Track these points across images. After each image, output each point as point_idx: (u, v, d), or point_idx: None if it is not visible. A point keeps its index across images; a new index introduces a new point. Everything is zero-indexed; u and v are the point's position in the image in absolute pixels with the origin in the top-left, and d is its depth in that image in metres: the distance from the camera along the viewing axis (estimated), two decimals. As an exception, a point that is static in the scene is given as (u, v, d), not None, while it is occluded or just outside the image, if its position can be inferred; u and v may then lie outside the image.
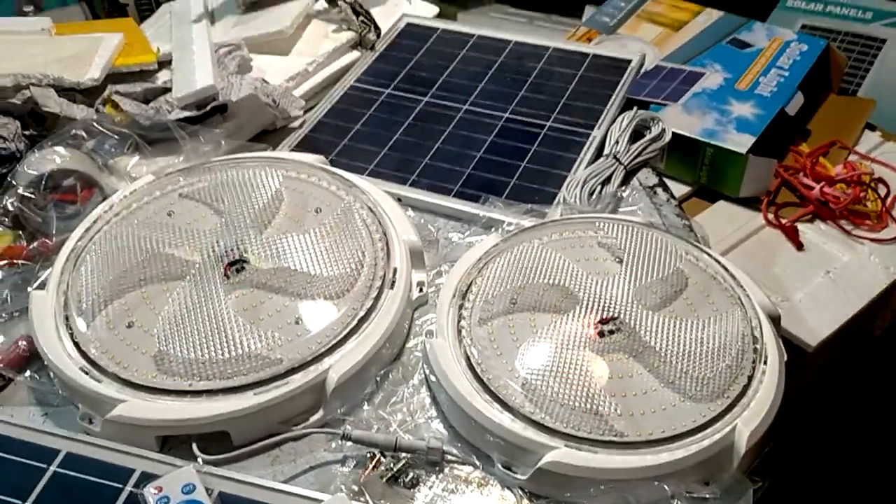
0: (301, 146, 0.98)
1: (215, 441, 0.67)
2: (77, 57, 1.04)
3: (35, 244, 0.84)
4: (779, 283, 0.96)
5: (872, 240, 1.01)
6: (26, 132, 0.94)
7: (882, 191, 1.05)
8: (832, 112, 1.21)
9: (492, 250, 0.78)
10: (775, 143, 1.08)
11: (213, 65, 1.00)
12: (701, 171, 1.07)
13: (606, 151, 0.94)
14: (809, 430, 1.03)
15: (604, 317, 0.71)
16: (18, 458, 0.63)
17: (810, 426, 1.03)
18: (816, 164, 1.09)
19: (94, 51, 1.05)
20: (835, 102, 1.23)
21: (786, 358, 0.71)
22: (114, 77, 1.04)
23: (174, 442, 0.68)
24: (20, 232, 0.85)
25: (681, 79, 1.16)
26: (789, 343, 0.91)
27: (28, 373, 0.74)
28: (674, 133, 1.05)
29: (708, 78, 1.15)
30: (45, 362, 0.71)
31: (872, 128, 1.20)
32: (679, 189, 1.10)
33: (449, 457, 0.66)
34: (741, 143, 1.03)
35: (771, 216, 1.04)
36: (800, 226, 1.03)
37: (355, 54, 1.12)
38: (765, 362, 0.68)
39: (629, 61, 1.06)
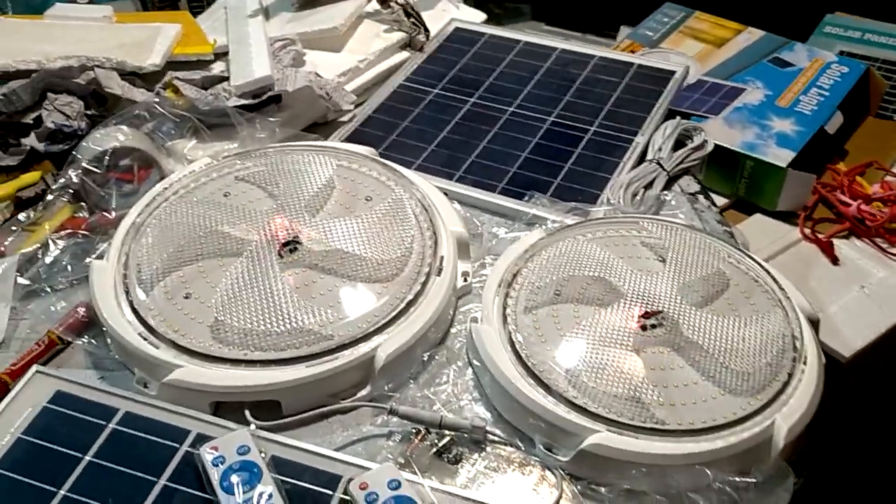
0: (351, 139, 1.01)
1: (265, 410, 0.69)
2: (138, 44, 1.08)
3: (94, 217, 0.87)
4: (814, 296, 0.97)
5: (908, 258, 1.02)
6: (88, 112, 0.97)
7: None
8: (870, 134, 1.22)
9: (538, 243, 0.80)
10: (814, 160, 1.10)
11: (269, 57, 1.03)
12: (739, 184, 1.09)
13: (650, 157, 0.96)
14: (842, 443, 1.04)
15: (647, 311, 0.72)
16: (80, 415, 0.66)
17: (843, 440, 1.03)
18: (854, 182, 1.11)
19: (154, 39, 1.09)
20: (873, 125, 1.24)
21: (823, 361, 0.73)
22: (172, 65, 1.07)
23: (226, 409, 0.70)
24: (82, 204, 0.88)
25: (722, 93, 1.18)
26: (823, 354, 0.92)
27: (86, 338, 0.76)
28: (714, 144, 1.07)
29: (749, 94, 1.17)
30: (105, 328, 0.74)
31: (909, 151, 1.21)
32: (716, 201, 1.11)
33: (492, 437, 0.68)
34: (781, 157, 1.05)
35: (808, 230, 1.06)
36: (835, 241, 1.05)
37: (404, 55, 1.15)
38: (804, 362, 0.70)
39: (673, 72, 1.09)
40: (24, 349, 0.75)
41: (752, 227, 1.08)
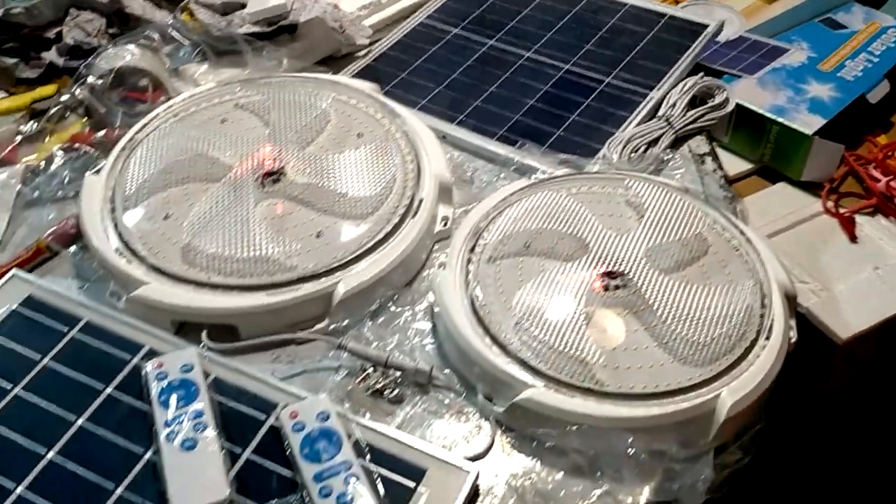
0: (361, 74, 1.00)
1: (224, 334, 0.71)
2: (168, -37, 1.09)
3: (99, 133, 0.90)
4: (822, 272, 0.93)
5: (934, 242, 0.96)
6: (110, 30, 1.00)
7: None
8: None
9: (517, 193, 0.79)
10: (848, 131, 1.03)
11: (289, -16, 1.02)
12: (765, 149, 1.03)
13: (660, 113, 0.92)
14: (846, 426, 1.00)
15: (611, 271, 0.71)
16: (45, 320, 0.69)
17: (848, 422, 1.00)
18: (891, 157, 1.04)
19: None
20: (931, 98, 1.16)
21: (795, 338, 0.70)
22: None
23: (189, 328, 0.72)
24: (90, 120, 0.91)
25: (762, 52, 1.11)
26: (821, 334, 0.88)
27: (73, 248, 0.80)
28: (740, 107, 1.02)
29: (791, 55, 1.10)
30: (85, 240, 0.77)
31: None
32: (741, 165, 1.06)
33: (436, 381, 0.68)
34: (809, 123, 0.99)
35: (830, 204, 1.00)
36: (859, 218, 0.99)
37: (433, -10, 1.13)
38: (767, 338, 0.67)
39: (705, 26, 1.03)
40: (17, 255, 0.79)
41: (773, 196, 1.03)
